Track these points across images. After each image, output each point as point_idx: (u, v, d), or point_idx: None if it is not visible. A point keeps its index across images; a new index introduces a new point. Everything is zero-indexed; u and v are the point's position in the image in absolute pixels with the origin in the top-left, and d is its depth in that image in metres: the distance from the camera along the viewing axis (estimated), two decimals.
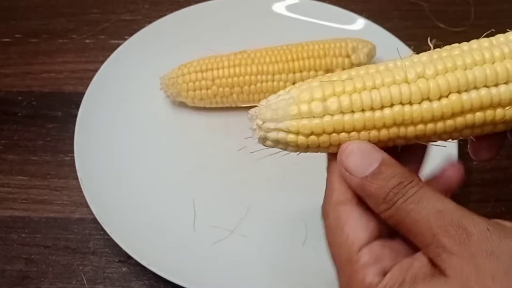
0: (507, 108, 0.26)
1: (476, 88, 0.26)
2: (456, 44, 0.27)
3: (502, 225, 0.24)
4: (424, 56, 0.27)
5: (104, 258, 0.45)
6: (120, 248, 0.41)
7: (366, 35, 0.53)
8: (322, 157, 0.46)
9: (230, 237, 0.44)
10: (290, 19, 0.58)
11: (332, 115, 0.26)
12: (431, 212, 0.24)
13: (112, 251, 0.45)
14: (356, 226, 0.26)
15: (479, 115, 0.26)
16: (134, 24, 0.59)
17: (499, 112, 0.26)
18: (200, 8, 0.59)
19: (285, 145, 0.27)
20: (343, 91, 0.26)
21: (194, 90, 0.50)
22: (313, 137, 0.26)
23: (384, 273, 0.24)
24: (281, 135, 0.26)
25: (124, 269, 0.44)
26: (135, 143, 0.50)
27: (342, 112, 0.26)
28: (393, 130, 0.26)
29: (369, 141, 0.26)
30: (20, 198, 0.48)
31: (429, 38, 0.29)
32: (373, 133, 0.26)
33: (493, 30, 0.28)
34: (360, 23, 0.57)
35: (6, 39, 0.60)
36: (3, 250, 0.45)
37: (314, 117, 0.26)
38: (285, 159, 0.49)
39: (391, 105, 0.26)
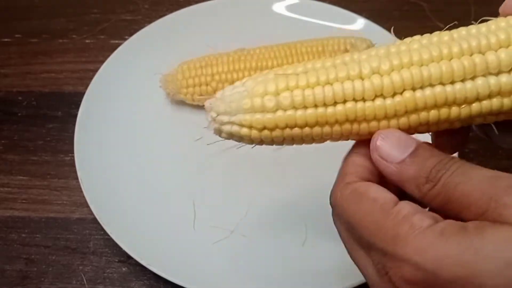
0: (463, 106, 0.26)
1: (431, 85, 0.25)
2: (417, 37, 0.27)
3: None
4: (382, 49, 0.26)
5: (104, 258, 0.45)
6: (120, 248, 0.41)
7: (366, 35, 0.53)
8: (322, 157, 0.47)
9: (230, 237, 0.44)
10: (290, 19, 0.58)
11: (284, 110, 0.25)
12: (483, 179, 0.23)
13: (112, 251, 0.45)
14: (380, 190, 0.24)
15: (433, 113, 0.26)
16: (134, 24, 0.59)
17: (454, 110, 0.26)
18: (200, 8, 0.59)
19: (239, 138, 0.27)
20: (296, 86, 0.25)
21: (194, 86, 0.50)
22: (266, 132, 0.26)
23: (437, 220, 0.23)
24: (234, 129, 0.26)
25: (124, 269, 0.44)
26: (135, 143, 0.50)
27: (295, 108, 0.25)
28: (346, 127, 0.26)
29: (323, 135, 0.26)
30: (20, 198, 0.48)
31: (392, 28, 0.29)
32: (326, 129, 0.26)
33: (456, 22, 0.28)
34: (360, 23, 0.57)
35: (6, 39, 0.60)
36: (3, 250, 0.45)
37: (267, 111, 0.25)
38: (285, 159, 0.50)
39: (344, 101, 0.25)
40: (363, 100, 0.25)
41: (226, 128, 0.26)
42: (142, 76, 0.53)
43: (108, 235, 0.42)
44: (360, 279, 0.40)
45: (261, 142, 0.27)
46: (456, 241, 0.21)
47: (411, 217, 0.23)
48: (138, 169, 0.48)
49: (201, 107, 0.52)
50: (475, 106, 0.26)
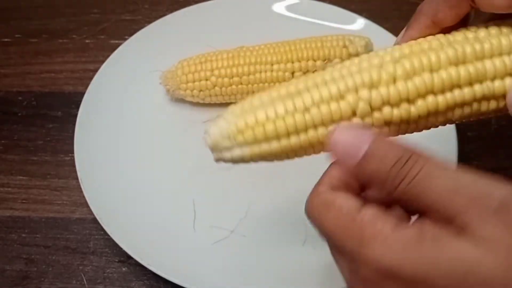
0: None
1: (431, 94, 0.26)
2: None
3: None
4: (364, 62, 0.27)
5: (104, 258, 0.45)
6: (120, 248, 0.41)
7: (366, 35, 0.53)
8: (322, 157, 0.46)
9: (230, 237, 0.44)
10: (290, 19, 0.58)
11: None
12: (448, 188, 0.22)
13: (112, 251, 0.45)
14: (346, 197, 0.25)
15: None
16: (134, 24, 0.59)
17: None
18: (200, 8, 0.59)
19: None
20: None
21: (193, 82, 0.50)
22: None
23: (398, 225, 0.23)
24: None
25: (124, 269, 0.44)
26: (135, 143, 0.50)
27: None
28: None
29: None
30: (20, 198, 0.48)
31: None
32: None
33: None
34: (360, 23, 0.57)
35: (6, 39, 0.60)
36: (3, 250, 0.45)
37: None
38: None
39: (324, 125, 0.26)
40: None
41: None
42: (142, 76, 0.53)
43: (108, 235, 0.42)
44: None
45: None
46: (415, 248, 0.22)
47: (374, 222, 0.23)
48: (138, 169, 0.48)
49: (201, 105, 0.52)
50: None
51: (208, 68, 0.50)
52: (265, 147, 0.27)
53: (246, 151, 0.27)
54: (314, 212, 0.26)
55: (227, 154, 0.28)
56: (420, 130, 0.28)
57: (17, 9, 0.63)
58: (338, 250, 0.25)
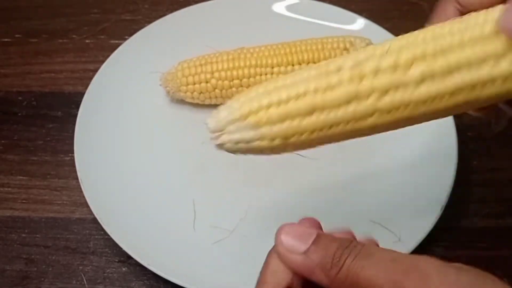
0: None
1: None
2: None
3: (450, 264, 0.24)
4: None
5: (104, 258, 0.45)
6: (120, 248, 0.41)
7: (366, 35, 0.53)
8: (323, 157, 0.46)
9: (230, 237, 0.44)
10: (290, 19, 0.58)
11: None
12: (386, 262, 0.24)
13: (112, 251, 0.45)
14: None
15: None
16: (134, 24, 0.59)
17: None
18: (200, 8, 0.59)
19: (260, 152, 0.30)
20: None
21: (194, 84, 0.50)
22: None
23: None
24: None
25: (124, 269, 0.44)
26: (135, 143, 0.50)
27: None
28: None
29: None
30: (20, 198, 0.48)
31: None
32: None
33: None
34: (360, 23, 0.57)
35: (6, 39, 0.60)
36: (3, 250, 0.45)
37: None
38: (285, 160, 0.49)
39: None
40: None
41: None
42: (142, 76, 0.53)
43: (108, 235, 0.42)
44: None
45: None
46: None
47: None
48: (138, 169, 0.48)
49: (201, 106, 0.52)
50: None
51: (209, 71, 0.50)
52: (268, 131, 0.28)
53: (250, 135, 0.28)
54: None
55: (230, 138, 0.29)
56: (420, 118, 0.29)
57: (17, 9, 0.63)
58: None
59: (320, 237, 0.26)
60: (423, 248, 0.42)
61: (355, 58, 0.27)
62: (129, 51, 0.54)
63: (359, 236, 0.28)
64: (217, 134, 0.29)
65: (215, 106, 0.52)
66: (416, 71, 0.27)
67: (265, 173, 0.48)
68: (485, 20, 0.26)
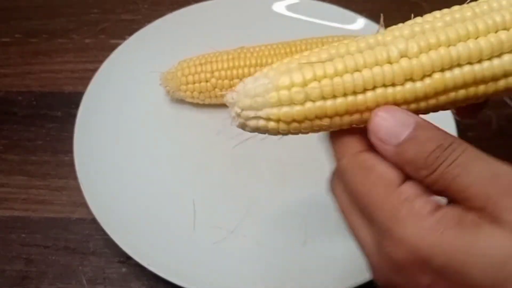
0: (489, 83, 0.25)
1: (459, 65, 0.25)
2: (438, 13, 0.26)
3: None
4: (406, 29, 0.26)
5: (104, 258, 0.45)
6: (120, 249, 0.41)
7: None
8: (323, 157, 0.46)
9: (230, 237, 0.44)
10: (290, 19, 0.58)
11: (313, 101, 0.24)
12: (482, 176, 0.22)
13: (112, 252, 0.45)
14: (387, 166, 0.24)
15: (461, 92, 0.25)
16: (134, 24, 0.59)
17: (481, 88, 0.26)
18: (200, 8, 0.59)
19: (265, 131, 0.26)
20: (324, 75, 0.24)
21: (194, 83, 0.50)
22: (294, 124, 0.25)
23: (437, 208, 0.23)
24: (261, 123, 0.25)
25: (124, 269, 0.44)
26: (134, 143, 0.50)
27: (324, 98, 0.24)
28: None
29: (352, 122, 0.25)
30: (20, 198, 0.48)
31: (382, 15, 0.29)
32: (355, 116, 0.25)
33: None
34: (360, 23, 0.57)
35: (6, 39, 0.60)
36: (3, 250, 0.45)
37: (295, 104, 0.24)
38: (285, 159, 0.49)
39: (374, 88, 0.25)
40: (393, 85, 0.25)
41: (252, 123, 0.25)
42: (141, 76, 0.53)
43: (108, 235, 0.42)
44: (361, 279, 0.40)
45: (288, 133, 0.26)
46: (452, 233, 0.22)
47: (412, 201, 0.23)
48: (138, 169, 0.48)
49: (201, 106, 0.52)
50: (502, 82, 0.25)
51: (208, 70, 0.50)
52: (299, 109, 0.24)
53: (282, 111, 0.24)
54: (351, 172, 0.25)
55: (258, 113, 0.25)
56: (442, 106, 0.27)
57: (17, 9, 0.63)
58: (369, 217, 0.24)
59: (419, 128, 0.24)
60: None
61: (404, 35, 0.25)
62: (129, 51, 0.54)
63: None
64: (243, 111, 0.25)
65: (215, 105, 0.52)
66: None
67: (265, 173, 0.48)
68: None
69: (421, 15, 0.28)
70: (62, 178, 0.49)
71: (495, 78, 0.25)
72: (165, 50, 0.55)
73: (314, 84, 0.24)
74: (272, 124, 0.25)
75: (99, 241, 0.45)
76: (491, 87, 0.26)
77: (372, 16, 0.58)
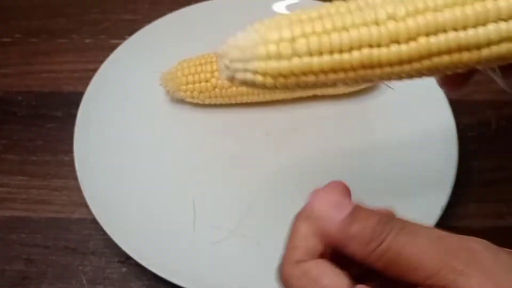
0: (473, 51, 0.26)
1: (444, 31, 0.25)
2: None
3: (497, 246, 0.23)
4: None
5: (104, 258, 0.45)
6: (120, 249, 0.41)
7: None
8: (323, 157, 0.47)
9: (230, 237, 0.44)
10: None
11: (300, 57, 0.25)
12: (432, 240, 0.22)
13: (112, 252, 0.45)
14: (333, 274, 0.23)
15: (445, 58, 0.26)
16: (134, 24, 0.59)
17: (465, 55, 0.26)
18: (200, 8, 0.58)
19: (253, 85, 0.26)
20: (312, 32, 0.25)
21: (194, 83, 0.50)
22: (281, 79, 0.25)
23: None
24: (248, 76, 0.25)
25: (124, 269, 0.44)
26: (134, 143, 0.50)
27: (311, 54, 0.25)
28: (360, 73, 0.26)
29: (336, 81, 0.26)
30: (20, 198, 0.48)
31: None
32: (341, 75, 0.26)
33: None
34: None
35: (6, 39, 0.60)
36: (3, 250, 0.45)
37: (282, 58, 0.25)
38: (285, 159, 0.49)
39: (360, 47, 0.25)
40: (379, 46, 0.25)
41: (240, 75, 0.26)
42: (141, 76, 0.53)
43: (108, 235, 0.42)
44: None
45: (275, 88, 0.26)
46: None
47: None
48: (138, 169, 0.48)
49: (201, 106, 0.52)
50: (485, 51, 0.26)
51: (208, 70, 0.50)
52: (286, 63, 0.25)
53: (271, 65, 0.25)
54: (293, 285, 0.24)
55: (246, 66, 0.25)
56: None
57: (17, 9, 0.63)
58: None
59: (359, 208, 0.24)
60: None
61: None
62: (129, 50, 0.54)
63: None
64: (233, 64, 0.26)
65: (215, 105, 0.52)
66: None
67: (265, 173, 0.48)
68: None
69: None
70: (62, 178, 0.49)
71: (479, 47, 0.26)
72: (165, 50, 0.55)
73: (302, 40, 0.25)
74: (259, 78, 0.25)
75: (99, 241, 0.45)
76: (474, 55, 0.26)
77: None
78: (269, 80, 0.25)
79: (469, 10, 0.25)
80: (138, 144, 0.50)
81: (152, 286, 0.43)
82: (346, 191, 0.25)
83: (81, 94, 0.51)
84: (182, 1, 0.61)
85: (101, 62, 0.53)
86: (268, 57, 0.25)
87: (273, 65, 0.25)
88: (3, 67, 0.57)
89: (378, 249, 0.22)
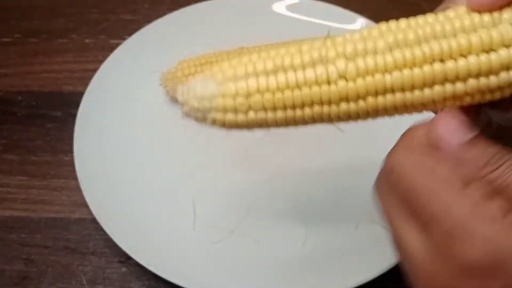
0: (419, 108, 0.27)
1: (393, 91, 0.26)
2: (384, 27, 0.28)
3: None
4: (349, 46, 0.26)
5: (103, 258, 0.45)
6: (120, 248, 0.41)
7: None
8: (323, 157, 0.46)
9: (230, 237, 0.44)
10: (290, 19, 0.58)
11: (256, 111, 0.27)
12: None
13: (112, 251, 0.45)
14: (451, 166, 0.24)
15: (392, 112, 0.27)
16: (134, 24, 0.59)
17: (410, 110, 0.27)
18: (200, 8, 0.58)
19: (212, 126, 0.29)
20: (266, 88, 0.26)
21: None
22: (238, 126, 0.28)
23: (508, 211, 0.22)
24: (208, 122, 0.28)
25: (123, 269, 0.44)
26: (134, 143, 0.50)
27: (265, 109, 0.27)
28: (313, 123, 0.28)
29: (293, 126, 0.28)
30: (20, 198, 0.48)
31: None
32: (295, 124, 0.28)
33: None
34: (360, 23, 0.57)
35: (5, 39, 0.60)
36: (3, 250, 0.45)
37: (238, 112, 0.27)
38: (285, 160, 0.49)
39: (311, 105, 0.27)
40: (329, 104, 0.27)
41: (199, 120, 0.28)
42: (141, 76, 0.53)
43: (108, 235, 0.42)
44: (361, 278, 0.40)
45: (233, 129, 0.29)
46: None
47: (481, 203, 0.22)
48: (137, 169, 0.48)
49: None
50: (430, 107, 0.27)
51: (208, 70, 0.50)
52: (243, 117, 0.27)
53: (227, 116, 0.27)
54: (408, 171, 0.24)
55: (205, 115, 0.27)
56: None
57: (17, 9, 0.63)
58: (424, 220, 0.23)
59: (480, 136, 0.24)
60: None
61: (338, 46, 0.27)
62: (128, 50, 0.54)
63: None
64: (193, 113, 0.28)
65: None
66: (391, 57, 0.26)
67: (265, 173, 0.48)
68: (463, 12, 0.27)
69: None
70: (62, 178, 0.49)
71: (424, 105, 0.27)
72: (165, 49, 0.55)
73: (257, 97, 0.26)
74: (218, 124, 0.28)
75: (99, 241, 0.45)
76: (420, 110, 0.27)
77: (372, 16, 0.57)
78: (227, 126, 0.28)
79: (416, 72, 0.26)
80: (138, 144, 0.50)
81: (152, 286, 0.43)
82: (467, 122, 0.26)
83: (81, 94, 0.51)
84: (182, 1, 0.61)
85: (101, 62, 0.53)
86: (225, 110, 0.27)
87: (230, 117, 0.27)
88: (3, 67, 0.57)
89: (490, 174, 0.23)
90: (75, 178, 0.45)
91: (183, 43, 0.55)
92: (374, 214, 0.44)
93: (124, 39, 0.56)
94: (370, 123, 0.43)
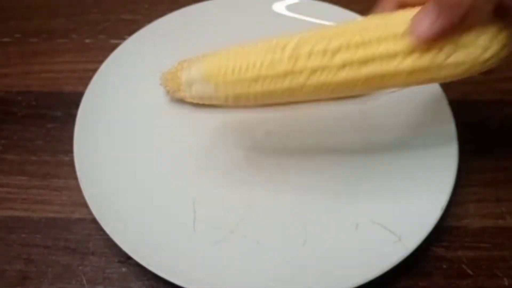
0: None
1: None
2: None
3: None
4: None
5: (104, 258, 0.45)
6: (120, 249, 0.41)
7: None
8: (323, 157, 0.46)
9: (230, 237, 0.44)
10: (290, 19, 0.58)
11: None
12: None
13: (112, 252, 0.45)
14: None
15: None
16: (134, 24, 0.59)
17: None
18: (200, 8, 0.59)
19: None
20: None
21: None
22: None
23: None
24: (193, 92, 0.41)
25: (124, 269, 0.44)
26: (134, 143, 0.50)
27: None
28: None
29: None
30: (20, 198, 0.48)
31: None
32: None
33: None
34: None
35: (5, 39, 0.60)
36: (3, 250, 0.45)
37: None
38: (286, 160, 0.49)
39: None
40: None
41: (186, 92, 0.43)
42: (141, 76, 0.53)
43: (108, 236, 0.42)
44: (361, 279, 0.40)
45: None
46: None
47: None
48: (138, 169, 0.48)
49: (200, 106, 0.52)
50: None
51: None
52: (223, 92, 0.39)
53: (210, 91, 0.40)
54: None
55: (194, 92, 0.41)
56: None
57: (17, 9, 0.63)
58: None
59: None
60: (423, 248, 0.42)
61: (298, 39, 0.36)
62: (128, 50, 0.54)
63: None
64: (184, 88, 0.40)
65: (215, 106, 0.52)
66: (339, 58, 0.34)
67: (265, 173, 0.48)
68: (403, 20, 0.32)
69: None
70: (62, 178, 0.49)
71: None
72: (165, 50, 0.55)
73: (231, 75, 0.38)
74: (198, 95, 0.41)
75: (99, 241, 0.45)
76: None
77: None
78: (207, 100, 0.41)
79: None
80: (138, 144, 0.50)
81: (152, 286, 0.43)
82: None
83: (81, 94, 0.51)
84: (182, 1, 0.61)
85: (101, 62, 0.53)
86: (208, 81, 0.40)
87: (210, 89, 0.40)
88: (3, 67, 0.57)
89: None
90: (75, 178, 0.45)
91: (183, 43, 0.55)
92: (374, 215, 0.44)
93: (124, 39, 0.56)
94: (369, 126, 0.45)
